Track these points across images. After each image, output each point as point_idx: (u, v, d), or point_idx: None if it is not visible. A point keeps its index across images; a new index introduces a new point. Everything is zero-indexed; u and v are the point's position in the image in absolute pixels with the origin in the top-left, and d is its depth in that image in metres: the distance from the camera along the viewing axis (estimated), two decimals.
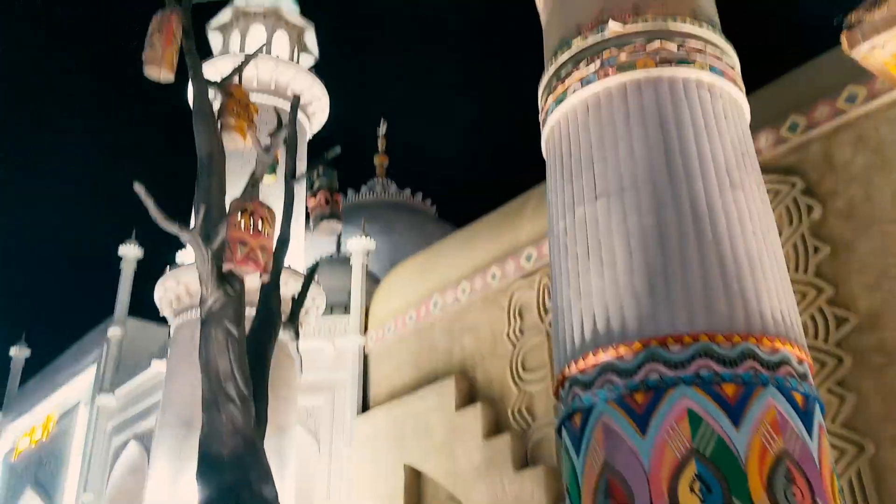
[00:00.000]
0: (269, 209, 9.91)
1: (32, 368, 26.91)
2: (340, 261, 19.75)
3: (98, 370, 20.45)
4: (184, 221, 10.49)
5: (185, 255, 17.61)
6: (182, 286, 14.89)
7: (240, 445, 9.75)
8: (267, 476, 9.59)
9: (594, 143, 6.93)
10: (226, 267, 9.45)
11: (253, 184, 9.98)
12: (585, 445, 6.11)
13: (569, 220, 6.90)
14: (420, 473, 14.78)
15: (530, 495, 12.28)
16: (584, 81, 7.17)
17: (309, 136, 17.49)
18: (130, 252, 21.50)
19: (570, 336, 6.52)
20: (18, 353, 27.01)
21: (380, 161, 30.85)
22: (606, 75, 7.06)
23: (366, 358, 17.33)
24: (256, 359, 10.30)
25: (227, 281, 9.80)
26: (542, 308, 13.59)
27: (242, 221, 9.41)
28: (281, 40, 17.27)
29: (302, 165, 16.39)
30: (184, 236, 9.28)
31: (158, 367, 17.82)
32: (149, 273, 22.82)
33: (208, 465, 9.58)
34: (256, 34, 17.17)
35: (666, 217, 6.37)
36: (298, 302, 11.92)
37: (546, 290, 13.57)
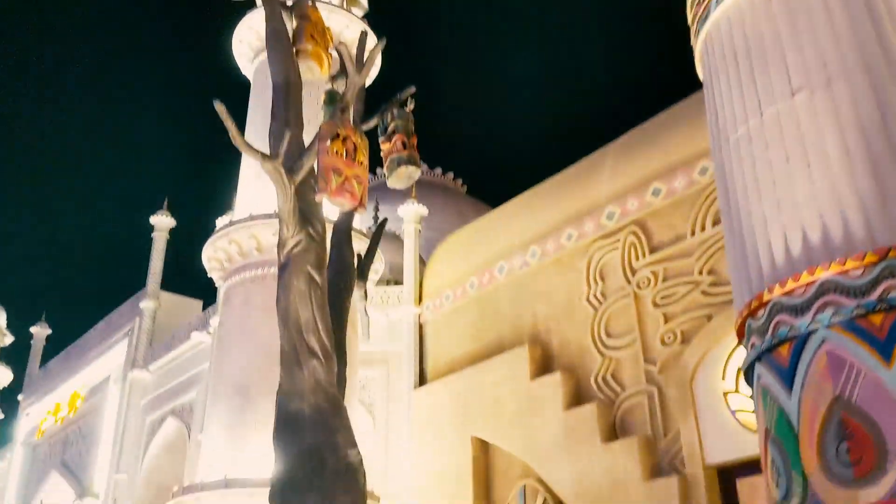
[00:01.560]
0: (363, 136, 8.81)
1: (53, 348, 25.95)
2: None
3: (130, 345, 19.40)
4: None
5: (227, 219, 16.56)
6: (234, 246, 13.83)
7: (323, 404, 8.63)
8: (352, 438, 8.50)
9: (783, 33, 5.86)
10: (318, 197, 8.35)
11: (343, 108, 8.90)
12: (802, 381, 5.05)
13: (754, 124, 5.83)
14: (489, 447, 13.74)
15: (622, 468, 11.23)
16: None
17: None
18: (162, 222, 20.45)
19: (769, 255, 5.45)
20: (39, 331, 26.02)
21: None
22: None
23: (421, 329, 16.29)
24: (333, 313, 9.25)
25: (310, 222, 8.72)
26: (627, 269, 12.52)
27: (335, 148, 8.35)
28: None
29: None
30: (265, 166, 8.20)
31: (199, 338, 16.79)
32: (179, 247, 21.89)
33: (288, 425, 8.47)
34: None
35: (890, 108, 5.30)
36: (368, 256, 10.82)
37: (633, 249, 12.50)
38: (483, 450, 13.83)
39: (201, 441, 14.32)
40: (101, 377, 20.24)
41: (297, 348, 8.50)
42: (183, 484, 13.96)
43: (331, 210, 9.63)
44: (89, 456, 19.37)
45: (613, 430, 11.89)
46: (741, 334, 5.85)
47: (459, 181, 29.69)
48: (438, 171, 29.17)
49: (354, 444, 8.47)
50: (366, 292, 11.03)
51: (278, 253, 8.83)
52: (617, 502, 11.12)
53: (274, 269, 13.41)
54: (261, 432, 12.04)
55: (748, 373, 5.72)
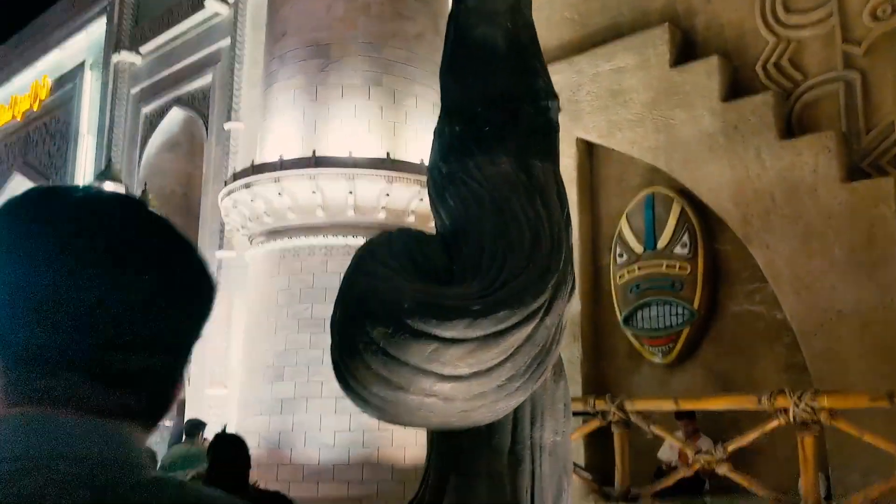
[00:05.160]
0: None
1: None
2: None
3: (110, 23, 15.66)
4: None
5: None
6: None
7: (522, 31, 5.99)
8: (552, 87, 5.93)
9: None
10: None
11: None
12: None
13: None
14: (597, 150, 11.42)
15: (809, 169, 9.09)
16: None
17: None
18: None
19: None
20: None
21: None
22: None
23: None
24: None
25: None
26: None
27: None
28: None
29: None
30: None
31: (215, 8, 13.30)
32: None
33: (471, 57, 5.80)
34: None
35: None
36: None
37: None
38: (589, 154, 11.52)
39: (234, 128, 11.48)
40: (73, 64, 16.60)
41: None
42: (215, 174, 11.25)
43: None
44: (61, 156, 16.27)
45: (789, 127, 9.66)
46: None
47: None
48: None
49: (555, 95, 5.91)
50: None
51: None
52: (798, 209, 9.11)
53: None
54: (346, 102, 9.30)
55: None
